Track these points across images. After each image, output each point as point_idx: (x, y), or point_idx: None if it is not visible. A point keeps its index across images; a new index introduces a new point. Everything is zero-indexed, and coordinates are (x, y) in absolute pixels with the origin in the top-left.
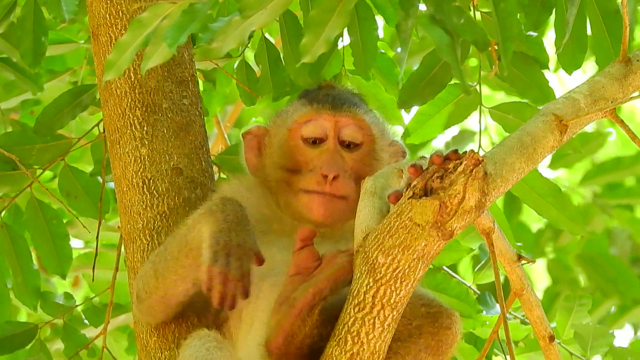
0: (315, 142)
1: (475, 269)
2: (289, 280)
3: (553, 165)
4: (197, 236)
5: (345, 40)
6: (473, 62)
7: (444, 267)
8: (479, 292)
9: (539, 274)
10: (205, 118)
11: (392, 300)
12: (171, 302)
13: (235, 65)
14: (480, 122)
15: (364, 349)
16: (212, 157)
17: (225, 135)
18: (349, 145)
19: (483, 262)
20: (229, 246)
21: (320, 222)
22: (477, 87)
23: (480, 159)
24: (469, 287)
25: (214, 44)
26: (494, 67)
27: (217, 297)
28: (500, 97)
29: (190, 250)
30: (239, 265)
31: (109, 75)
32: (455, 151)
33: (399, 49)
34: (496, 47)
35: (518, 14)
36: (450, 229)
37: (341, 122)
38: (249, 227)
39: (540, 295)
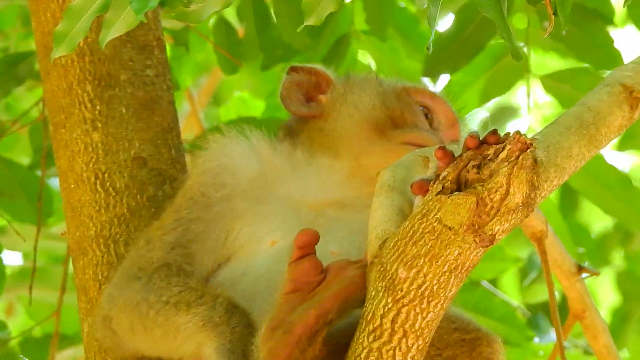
0: (427, 117)
1: (524, 284)
2: (284, 299)
3: (621, 145)
4: (195, 349)
5: None
6: (518, 20)
7: (484, 282)
8: (529, 313)
9: (604, 289)
10: (174, 92)
11: (416, 326)
12: (144, 355)
13: (211, 24)
14: (528, 95)
15: None
16: (184, 142)
17: (200, 114)
18: None
19: (533, 275)
20: (243, 356)
21: None
22: (525, 50)
23: (529, 142)
24: (517, 307)
25: (192, 7)
26: (549, 23)
27: None
28: (553, 63)
29: (178, 351)
30: None
31: (60, 50)
32: (495, 132)
33: (425, 4)
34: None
35: None
36: (490, 232)
37: (455, 128)
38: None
39: (606, 316)
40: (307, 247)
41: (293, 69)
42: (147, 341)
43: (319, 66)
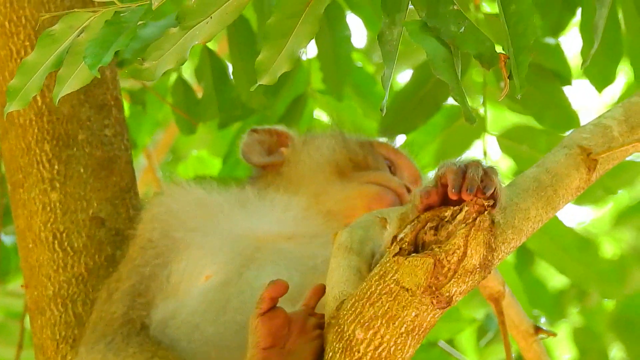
0: (390, 169)
1: (481, 344)
2: (265, 355)
3: (576, 201)
4: None
5: (311, 51)
6: (476, 73)
7: (441, 342)
8: None
9: (560, 344)
10: (132, 151)
11: None
12: None
13: (170, 83)
14: (485, 153)
15: None
16: (142, 201)
17: (158, 172)
18: None
19: (490, 335)
20: None
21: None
22: (482, 109)
23: (486, 204)
24: None
25: (146, 64)
26: (504, 86)
27: None
28: (510, 118)
29: None
30: None
31: (13, 105)
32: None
33: (385, 70)
34: (507, 61)
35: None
36: (448, 294)
37: (418, 184)
38: None
39: None
40: (276, 298)
41: (254, 130)
42: None
43: (279, 126)
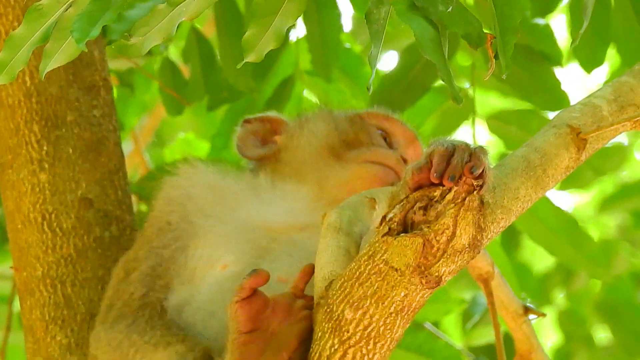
0: (385, 139)
1: (467, 326)
2: (246, 339)
3: (563, 185)
4: None
5: (299, 32)
6: (463, 58)
7: (427, 324)
8: (472, 355)
9: (545, 328)
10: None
11: None
12: None
13: (157, 65)
14: (473, 136)
15: None
16: (130, 184)
17: (145, 156)
18: None
19: (477, 317)
20: None
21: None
22: (470, 91)
23: (475, 184)
24: (460, 349)
25: (133, 39)
26: (490, 66)
27: None
28: (498, 102)
29: None
30: None
31: (0, 79)
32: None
33: (372, 49)
34: (493, 41)
35: None
36: (437, 274)
37: (415, 145)
38: None
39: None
40: (257, 287)
41: (246, 121)
42: None
43: (270, 113)
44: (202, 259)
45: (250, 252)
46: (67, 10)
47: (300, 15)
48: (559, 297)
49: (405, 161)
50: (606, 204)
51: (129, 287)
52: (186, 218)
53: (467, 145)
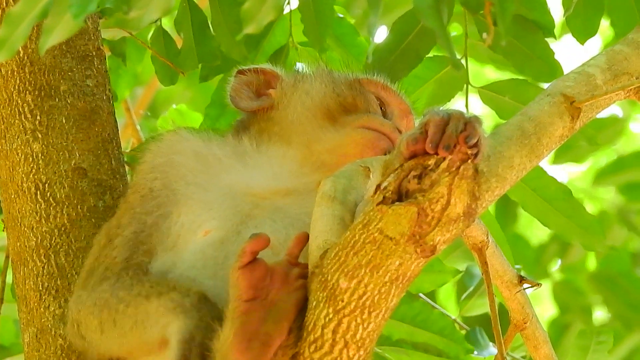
0: (381, 108)
1: (462, 297)
2: (247, 307)
3: (557, 158)
4: (162, 330)
5: (292, 3)
6: (454, 27)
7: (421, 295)
8: (466, 327)
9: (541, 301)
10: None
11: (357, 336)
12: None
13: (150, 35)
14: (467, 106)
15: None
16: (123, 153)
17: (137, 126)
18: None
19: (471, 287)
20: (204, 347)
21: (367, 156)
22: (463, 61)
23: (469, 152)
24: (454, 320)
25: (132, 13)
26: (488, 34)
27: None
28: (490, 74)
29: (146, 341)
30: None
31: (0, 55)
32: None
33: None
34: (491, 8)
35: None
36: (431, 243)
37: (409, 119)
38: None
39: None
40: (256, 252)
41: (240, 72)
42: (116, 337)
43: (266, 65)
44: (184, 225)
45: (233, 218)
46: None
47: None
48: (554, 269)
49: (400, 132)
50: (601, 176)
51: (112, 252)
52: (169, 185)
53: (461, 114)
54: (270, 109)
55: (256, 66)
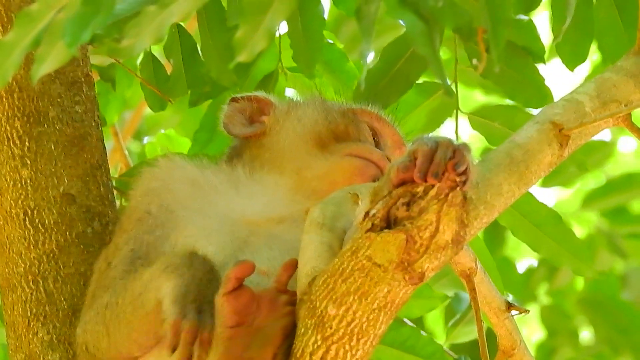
0: (374, 138)
1: (450, 323)
2: (232, 333)
3: (545, 182)
4: (155, 294)
5: (281, 29)
6: (443, 53)
7: (406, 321)
8: (453, 354)
9: (529, 324)
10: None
11: None
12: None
13: (139, 60)
14: (456, 132)
15: None
16: (112, 179)
17: (125, 151)
18: None
19: (460, 313)
20: (200, 301)
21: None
22: (452, 87)
23: (458, 180)
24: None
25: (124, 42)
26: (480, 61)
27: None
28: (479, 99)
29: (146, 314)
30: (212, 325)
31: None
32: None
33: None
34: (484, 35)
35: None
36: (420, 270)
37: (401, 150)
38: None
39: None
40: (243, 278)
41: (234, 99)
42: (123, 330)
43: (259, 93)
44: (183, 248)
45: (231, 244)
46: (57, 14)
47: (290, 13)
48: (542, 293)
49: (389, 160)
50: (589, 200)
51: (110, 273)
52: (167, 207)
53: (450, 141)
54: (262, 135)
55: (250, 94)
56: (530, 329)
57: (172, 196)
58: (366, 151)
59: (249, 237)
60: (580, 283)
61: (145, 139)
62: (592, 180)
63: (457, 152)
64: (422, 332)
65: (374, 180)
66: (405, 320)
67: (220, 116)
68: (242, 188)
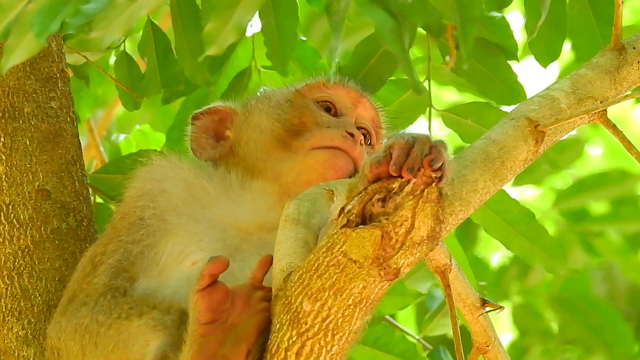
0: (330, 110)
1: (425, 318)
2: (206, 330)
3: (517, 181)
4: (140, 349)
5: (255, 26)
6: (416, 50)
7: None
8: (430, 346)
9: (500, 323)
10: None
11: (321, 359)
12: None
13: (113, 60)
14: (430, 129)
15: None
16: (87, 175)
17: (101, 147)
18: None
19: (433, 309)
20: None
21: (330, 178)
22: (425, 84)
23: (434, 176)
24: (418, 340)
25: (93, 34)
26: (450, 57)
27: None
28: (452, 96)
29: (126, 358)
30: None
31: None
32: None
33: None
34: (453, 32)
35: None
36: (395, 266)
37: (362, 104)
38: None
39: None
40: (216, 274)
41: (195, 117)
42: (99, 358)
43: (216, 103)
44: (172, 254)
45: (222, 251)
46: (26, 5)
47: (259, 8)
48: (514, 291)
49: (352, 135)
50: (558, 200)
51: (94, 280)
52: (160, 215)
53: (427, 137)
54: (232, 148)
55: (208, 107)
56: (500, 329)
57: (166, 200)
58: (327, 138)
59: (241, 244)
60: (553, 280)
61: (114, 136)
62: (560, 180)
63: (433, 148)
64: (400, 327)
65: (346, 168)
66: (386, 317)
67: (186, 141)
68: (233, 195)
